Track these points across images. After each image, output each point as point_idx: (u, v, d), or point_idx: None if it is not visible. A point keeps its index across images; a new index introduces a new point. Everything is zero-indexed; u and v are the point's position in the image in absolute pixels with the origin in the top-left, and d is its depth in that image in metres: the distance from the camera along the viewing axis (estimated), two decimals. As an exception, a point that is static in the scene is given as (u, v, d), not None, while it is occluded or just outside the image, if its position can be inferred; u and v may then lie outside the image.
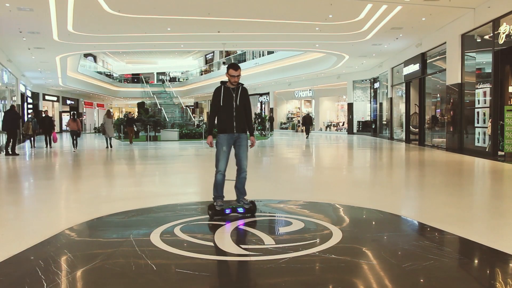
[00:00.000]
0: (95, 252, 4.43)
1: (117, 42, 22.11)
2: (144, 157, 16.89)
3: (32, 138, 21.60)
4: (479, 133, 15.14)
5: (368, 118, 33.50)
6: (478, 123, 15.15)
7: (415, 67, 21.11)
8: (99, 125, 36.22)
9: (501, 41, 13.36)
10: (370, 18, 16.25)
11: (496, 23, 13.66)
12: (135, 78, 57.29)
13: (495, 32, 13.67)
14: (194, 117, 47.52)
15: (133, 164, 14.66)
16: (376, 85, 30.90)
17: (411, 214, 6.40)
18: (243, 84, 6.25)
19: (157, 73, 61.07)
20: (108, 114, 22.04)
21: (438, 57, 19.02)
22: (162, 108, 40.48)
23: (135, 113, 42.84)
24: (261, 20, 16.97)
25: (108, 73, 52.15)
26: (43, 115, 24.00)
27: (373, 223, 5.86)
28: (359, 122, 33.90)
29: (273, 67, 36.05)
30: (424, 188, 8.90)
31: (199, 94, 53.96)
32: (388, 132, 27.41)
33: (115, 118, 43.11)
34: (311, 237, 4.87)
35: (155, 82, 58.13)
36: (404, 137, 23.81)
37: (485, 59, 14.97)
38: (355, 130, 33.90)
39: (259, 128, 32.33)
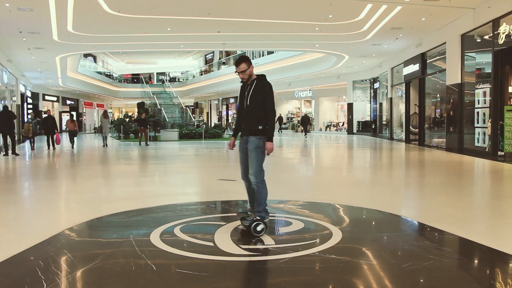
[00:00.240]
0: (95, 252, 4.43)
1: (117, 42, 22.11)
2: (144, 157, 16.89)
3: (32, 140, 20.26)
4: (479, 133, 15.14)
5: (368, 118, 33.50)
6: (478, 123, 15.15)
7: (415, 67, 21.11)
8: (98, 125, 36.29)
9: (501, 41, 13.36)
10: (370, 18, 16.25)
11: (496, 23, 13.67)
12: (135, 78, 57.31)
13: (495, 32, 13.67)
14: (194, 117, 47.53)
15: (133, 164, 14.66)
16: (376, 85, 30.90)
17: (411, 214, 6.40)
18: (262, 77, 5.41)
19: (157, 73, 61.11)
20: (105, 115, 23.59)
21: (438, 57, 19.02)
22: (162, 108, 40.49)
23: (135, 113, 42.87)
24: (261, 20, 16.97)
25: (108, 73, 52.16)
26: (45, 114, 22.64)
27: (373, 223, 5.86)
28: (359, 122, 33.90)
29: (273, 67, 36.04)
30: (424, 188, 8.91)
31: (199, 94, 53.98)
32: (388, 132, 27.41)
33: (115, 118, 43.26)
34: (311, 237, 4.87)
35: (155, 82, 58.16)
36: (404, 137, 23.81)
37: (485, 59, 14.98)
38: (355, 130, 33.90)
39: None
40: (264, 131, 5.16)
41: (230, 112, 52.36)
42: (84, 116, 50.26)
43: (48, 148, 20.03)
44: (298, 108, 43.60)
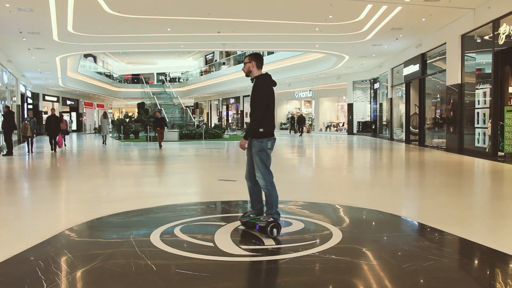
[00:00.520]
0: (95, 253, 4.43)
1: (117, 42, 22.11)
2: (144, 157, 16.89)
3: (29, 140, 18.35)
4: (479, 133, 15.14)
5: (368, 119, 33.50)
6: (478, 123, 15.15)
7: (415, 68, 21.11)
8: (98, 125, 36.46)
9: (501, 42, 13.36)
10: (370, 18, 16.25)
11: (496, 23, 13.67)
12: (135, 79, 57.31)
13: (495, 33, 13.67)
14: (194, 117, 47.53)
15: (133, 164, 14.66)
16: (376, 85, 30.91)
17: (411, 214, 6.40)
18: (260, 76, 5.35)
19: (157, 74, 61.13)
20: (105, 115, 25.78)
21: (438, 58, 19.02)
22: (162, 108, 40.46)
23: (135, 113, 42.85)
24: (261, 20, 16.99)
25: (108, 74, 52.17)
26: (48, 114, 22.19)
27: (373, 223, 5.86)
28: (359, 122, 33.90)
29: (273, 68, 35.99)
30: (424, 189, 8.90)
31: (199, 95, 53.98)
32: (388, 132, 27.41)
33: (115, 119, 43.29)
34: (311, 237, 4.87)
35: (155, 83, 58.15)
36: (404, 138, 23.81)
37: (485, 60, 14.98)
38: (355, 131, 33.90)
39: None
40: (265, 133, 5.01)
41: (230, 113, 52.36)
42: (84, 117, 50.28)
43: (52, 149, 18.70)
44: (298, 108, 43.61)
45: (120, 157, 17.23)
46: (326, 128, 38.75)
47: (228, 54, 46.31)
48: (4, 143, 17.30)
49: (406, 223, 5.83)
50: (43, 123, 20.32)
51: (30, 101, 35.46)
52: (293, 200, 7.19)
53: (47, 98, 40.84)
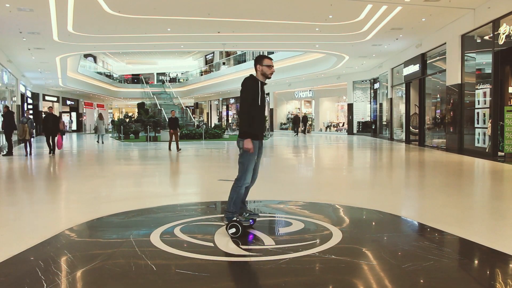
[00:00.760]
0: (95, 253, 4.43)
1: (117, 42, 22.12)
2: (144, 157, 16.89)
3: (27, 143, 17.24)
4: (479, 133, 15.14)
5: (368, 119, 33.52)
6: (478, 123, 15.15)
7: (415, 68, 21.12)
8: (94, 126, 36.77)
9: (501, 42, 13.36)
10: (370, 18, 16.26)
11: (496, 23, 13.67)
12: (135, 79, 57.31)
13: (495, 33, 13.67)
14: (194, 117, 47.53)
15: (133, 164, 14.66)
16: (376, 85, 30.92)
17: (411, 214, 6.40)
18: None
19: (157, 74, 61.15)
20: (100, 117, 27.37)
21: (438, 58, 19.03)
22: (162, 108, 40.50)
23: (135, 113, 42.85)
24: (261, 20, 16.99)
25: (108, 74, 52.18)
26: (44, 113, 21.26)
27: (373, 223, 5.86)
28: (359, 122, 33.92)
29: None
30: (424, 189, 8.90)
31: (199, 95, 53.98)
32: (388, 132, 27.41)
33: (116, 119, 43.33)
34: (311, 237, 4.87)
35: (155, 83, 58.17)
36: (404, 138, 23.81)
37: (485, 60, 14.98)
38: (355, 131, 33.92)
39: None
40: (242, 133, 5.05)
41: (230, 113, 52.36)
42: (84, 117, 50.28)
43: (50, 152, 17.46)
44: (298, 108, 43.64)
45: (120, 157, 17.23)
46: (326, 128, 38.76)
47: (228, 54, 46.31)
48: (5, 142, 17.29)
49: (406, 223, 5.83)
50: (43, 122, 19.19)
51: (30, 101, 35.46)
52: (293, 200, 7.19)
53: (47, 98, 40.83)
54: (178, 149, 18.60)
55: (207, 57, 54.62)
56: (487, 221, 5.90)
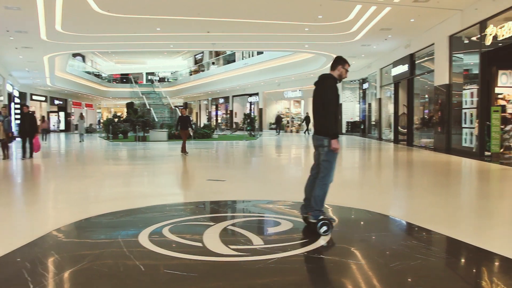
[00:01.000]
0: (83, 253, 4.41)
1: (106, 42, 22.01)
2: (133, 157, 16.81)
3: (4, 144, 15.04)
4: (466, 133, 15.27)
5: (357, 119, 33.67)
6: (465, 123, 15.28)
7: (403, 68, 21.24)
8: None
9: (488, 43, 13.48)
10: (359, 19, 16.32)
11: (483, 24, 13.79)
12: (124, 78, 56.98)
13: (482, 34, 13.79)
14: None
15: (122, 164, 14.59)
16: (365, 85, 31.07)
17: (399, 214, 6.44)
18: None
19: (146, 73, 60.91)
20: (81, 116, 29.78)
21: (426, 58, 19.16)
22: (151, 108, 40.31)
23: (124, 113, 42.65)
24: (251, 20, 17.00)
25: (97, 73, 51.84)
26: (19, 113, 18.61)
27: (362, 223, 5.88)
28: (348, 122, 34.07)
29: (262, 68, 36.11)
30: (412, 188, 8.96)
31: (188, 95, 53.87)
32: (377, 132, 27.54)
33: (104, 119, 43.12)
34: (300, 237, 4.88)
35: (144, 82, 57.91)
36: (392, 138, 23.94)
37: (472, 60, 15.10)
38: (344, 131, 34.05)
39: (248, 128, 32.41)
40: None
41: (219, 113, 52.33)
42: (73, 116, 49.91)
43: (23, 156, 15.14)
44: (288, 108, 43.71)
45: (109, 157, 17.13)
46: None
47: (217, 54, 46.27)
48: None
49: (394, 222, 5.86)
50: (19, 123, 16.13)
51: (17, 100, 35.12)
52: (282, 200, 7.20)
53: (34, 97, 40.49)
54: (185, 150, 16.62)
55: (196, 57, 54.52)
56: (474, 220, 5.95)
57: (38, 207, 7.11)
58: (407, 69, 20.79)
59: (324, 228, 4.89)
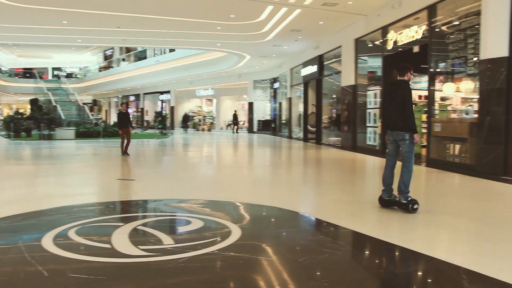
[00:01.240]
0: (-22, 260, 4.11)
1: (6, 33, 20.65)
2: (37, 156, 15.94)
3: None
4: (370, 132, 16.08)
5: (268, 117, 34.30)
6: (369, 122, 16.09)
7: (313, 69, 21.92)
8: None
9: (389, 47, 14.29)
10: (271, 19, 16.62)
11: (384, 30, 14.60)
12: (28, 73, 53.82)
13: (384, 39, 14.60)
14: (92, 115, 45.67)
15: (25, 164, 13.78)
16: (276, 85, 31.71)
17: (308, 210, 6.65)
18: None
19: (53, 68, 57.91)
20: None
21: (334, 60, 19.91)
22: (58, 105, 38.47)
23: (27, 110, 40.30)
24: (162, 17, 16.70)
25: (-4, 67, 48.56)
26: None
27: (272, 220, 6.01)
28: (259, 121, 34.62)
29: (174, 65, 35.68)
30: (321, 185, 9.29)
31: (97, 91, 52.01)
32: (287, 131, 28.23)
33: (5, 115, 40.53)
34: (211, 235, 4.89)
35: (50, 78, 55.06)
36: (302, 136, 24.65)
37: (376, 63, 15.92)
38: (255, 129, 34.54)
39: (159, 126, 31.89)
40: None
41: (130, 110, 51.00)
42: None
43: None
44: (200, 106, 43.58)
45: (10, 156, 16.10)
46: (227, 126, 39.11)
47: (128, 50, 45.05)
48: None
49: (304, 218, 6.05)
50: None
51: None
52: (194, 199, 7.18)
53: None
54: (126, 152, 15.02)
55: (106, 52, 52.69)
56: (377, 214, 6.28)
57: None
58: (316, 70, 21.48)
59: (416, 206, 6.04)
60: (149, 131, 36.38)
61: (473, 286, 3.53)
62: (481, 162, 9.69)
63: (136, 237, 4.80)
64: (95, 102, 58.95)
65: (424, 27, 12.30)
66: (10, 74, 51.47)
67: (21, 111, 36.20)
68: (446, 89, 12.00)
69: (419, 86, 15.98)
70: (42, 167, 12.66)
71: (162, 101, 45.90)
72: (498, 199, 7.33)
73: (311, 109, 23.55)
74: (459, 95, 11.66)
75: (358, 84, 17.00)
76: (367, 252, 4.63)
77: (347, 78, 17.50)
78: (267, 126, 33.70)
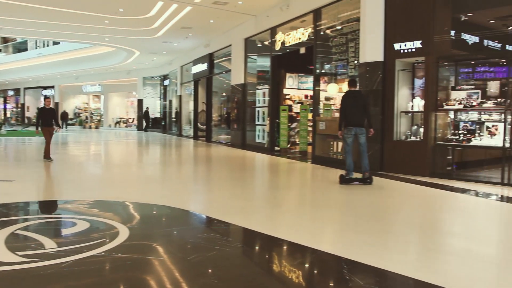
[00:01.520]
0: None
1: None
2: None
3: None
4: (259, 130, 16.49)
5: (158, 115, 33.78)
6: (258, 121, 16.49)
7: (203, 67, 21.96)
8: None
9: (277, 48, 14.76)
10: (161, 15, 16.37)
11: (273, 31, 15.04)
12: None
13: (273, 39, 15.04)
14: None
15: None
16: (166, 82, 31.35)
17: (199, 208, 6.66)
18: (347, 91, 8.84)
19: None
20: None
21: (224, 58, 20.12)
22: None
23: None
24: (44, 7, 15.68)
25: None
26: None
27: (162, 219, 5.93)
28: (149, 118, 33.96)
29: (58, 59, 33.75)
30: (211, 183, 9.34)
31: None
32: (177, 128, 28.02)
33: None
34: (97, 237, 4.70)
35: None
36: (192, 134, 24.61)
37: (265, 63, 16.35)
38: (144, 127, 33.87)
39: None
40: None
41: (8, 106, 47.44)
42: None
43: None
44: (87, 103, 41.73)
45: None
46: (116, 124, 37.89)
47: (5, 40, 41.79)
48: None
49: (194, 216, 6.04)
50: None
51: None
52: (80, 199, 6.86)
53: None
54: (48, 157, 12.23)
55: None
56: (265, 210, 6.46)
57: None
58: (206, 68, 21.55)
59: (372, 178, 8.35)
60: (30, 128, 34.05)
61: (353, 275, 3.77)
62: (361, 159, 10.35)
63: (14, 242, 4.48)
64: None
65: (310, 30, 12.87)
66: None
67: None
68: (330, 90, 12.66)
69: (305, 86, 16.75)
70: None
71: (46, 96, 43.30)
72: (375, 193, 7.89)
73: (201, 107, 23.58)
74: (341, 95, 12.36)
75: (248, 83, 17.33)
76: (256, 248, 4.74)
77: (237, 77, 17.77)
78: (156, 124, 33.16)
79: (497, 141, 8.67)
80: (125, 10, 15.83)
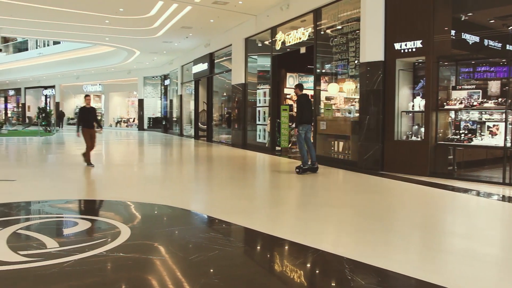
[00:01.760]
0: None
1: None
2: None
3: None
4: (260, 130, 16.50)
5: (159, 115, 33.79)
6: (259, 120, 16.49)
7: (203, 66, 21.96)
8: None
9: (277, 47, 14.76)
10: (161, 15, 16.37)
11: (273, 31, 15.04)
12: None
13: (273, 39, 15.04)
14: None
15: None
16: (167, 82, 31.35)
17: (200, 208, 6.67)
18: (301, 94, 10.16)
19: None
20: None
21: (225, 58, 20.12)
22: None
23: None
24: (45, 6, 15.69)
25: None
26: None
27: (164, 219, 5.94)
28: (150, 118, 33.98)
29: (59, 59, 33.76)
30: (212, 182, 9.35)
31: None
32: (178, 128, 28.03)
33: None
34: (99, 236, 4.73)
35: None
36: (193, 134, 24.61)
37: (265, 62, 16.35)
38: (145, 127, 33.87)
39: (43, 123, 29.96)
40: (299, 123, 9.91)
41: (9, 106, 47.45)
42: None
43: None
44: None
45: None
46: (116, 123, 37.90)
47: (6, 40, 41.77)
48: None
49: (195, 216, 6.05)
50: None
51: None
52: (82, 199, 6.88)
53: None
54: (89, 162, 11.30)
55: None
56: (266, 209, 6.47)
57: None
58: (207, 68, 21.55)
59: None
60: (32, 128, 34.06)
61: (354, 274, 3.78)
62: (362, 158, 10.38)
63: (16, 242, 4.49)
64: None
65: (310, 30, 12.87)
66: None
67: None
68: (330, 89, 12.66)
69: (306, 86, 16.72)
70: None
71: (46, 96, 43.28)
72: (376, 192, 7.89)
73: (202, 106, 23.58)
74: (342, 95, 12.38)
75: (248, 83, 17.34)
76: (257, 247, 4.74)
77: (238, 77, 17.77)
78: (157, 124, 33.18)
79: (498, 140, 8.67)
80: (126, 9, 15.83)
